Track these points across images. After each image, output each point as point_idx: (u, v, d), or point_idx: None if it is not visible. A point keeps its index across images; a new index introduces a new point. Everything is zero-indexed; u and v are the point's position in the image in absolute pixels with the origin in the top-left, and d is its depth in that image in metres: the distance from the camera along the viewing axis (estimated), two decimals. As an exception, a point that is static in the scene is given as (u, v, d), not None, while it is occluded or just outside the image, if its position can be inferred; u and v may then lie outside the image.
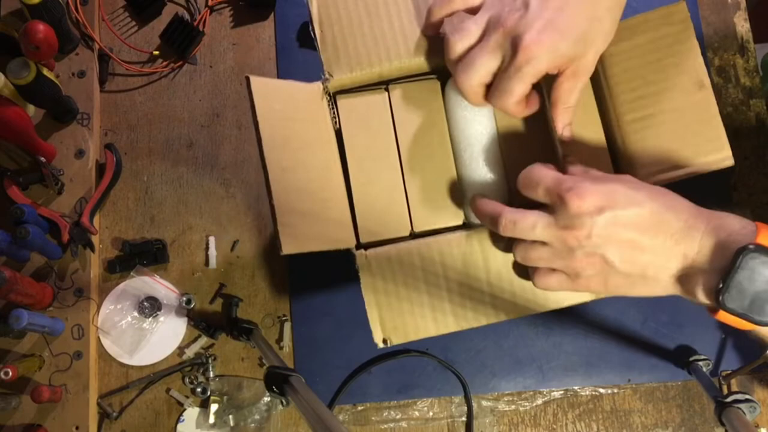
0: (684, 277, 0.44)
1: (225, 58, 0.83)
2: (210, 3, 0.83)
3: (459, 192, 0.55)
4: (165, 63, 0.82)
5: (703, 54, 0.81)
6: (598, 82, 0.54)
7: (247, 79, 0.48)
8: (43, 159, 0.73)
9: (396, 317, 0.50)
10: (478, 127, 0.54)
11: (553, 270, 0.48)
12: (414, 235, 0.54)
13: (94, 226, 0.76)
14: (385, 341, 0.50)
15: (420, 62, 0.53)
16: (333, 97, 0.54)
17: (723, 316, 0.43)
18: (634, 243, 0.44)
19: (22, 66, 0.68)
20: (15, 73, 0.68)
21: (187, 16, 0.83)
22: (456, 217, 0.54)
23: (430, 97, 0.55)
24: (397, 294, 0.50)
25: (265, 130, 0.47)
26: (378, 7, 0.53)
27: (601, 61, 0.53)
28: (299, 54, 0.83)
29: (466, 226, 0.54)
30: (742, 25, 0.82)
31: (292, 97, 0.51)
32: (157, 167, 0.80)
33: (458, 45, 0.49)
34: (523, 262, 0.49)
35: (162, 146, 0.81)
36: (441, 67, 0.55)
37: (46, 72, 0.71)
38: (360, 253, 0.50)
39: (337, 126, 0.54)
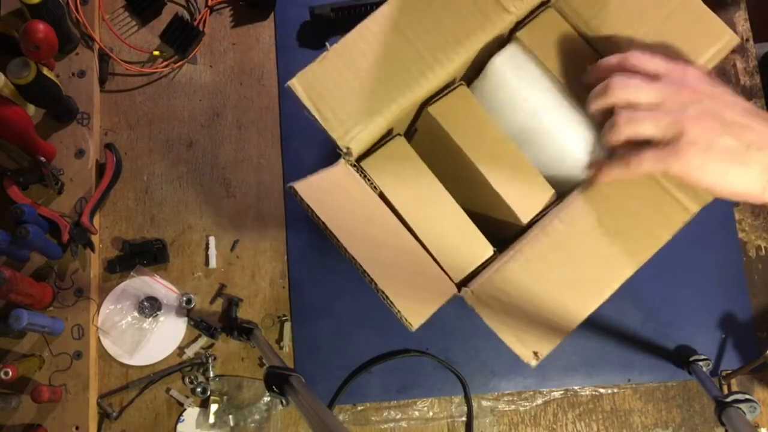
0: None
1: (225, 58, 0.83)
2: (210, 3, 0.83)
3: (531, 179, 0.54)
4: (165, 63, 0.82)
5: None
6: (580, 32, 0.55)
7: (293, 188, 0.49)
8: (43, 159, 0.73)
9: (532, 330, 0.49)
10: (539, 92, 0.54)
11: (647, 147, 0.47)
12: (502, 247, 0.54)
13: (94, 226, 0.76)
14: (536, 356, 0.49)
15: (419, 92, 0.53)
16: (359, 166, 0.54)
17: None
18: (745, 120, 0.45)
19: (23, 66, 0.68)
20: (15, 73, 0.68)
21: (187, 16, 0.83)
22: (547, 193, 0.54)
23: (465, 102, 0.55)
24: (520, 309, 0.50)
25: (335, 227, 0.49)
26: (356, 62, 0.52)
27: (574, 11, 0.54)
28: (299, 54, 0.83)
29: (556, 198, 0.54)
30: (742, 25, 0.82)
31: (333, 185, 0.52)
32: (157, 167, 0.80)
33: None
34: (627, 124, 0.47)
35: (162, 146, 0.81)
36: (442, 85, 0.55)
37: (46, 72, 0.71)
38: (466, 293, 0.50)
39: (378, 190, 0.54)
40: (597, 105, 0.49)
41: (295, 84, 0.52)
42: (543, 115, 0.54)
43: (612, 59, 0.49)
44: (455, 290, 0.52)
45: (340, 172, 0.53)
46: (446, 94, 0.55)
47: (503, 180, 0.54)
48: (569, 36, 0.55)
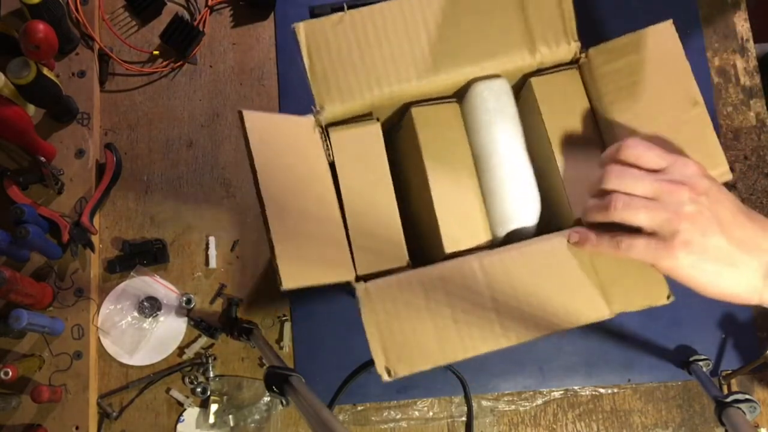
0: None
1: (225, 58, 0.83)
2: (210, 3, 0.83)
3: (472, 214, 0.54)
4: (165, 63, 0.82)
5: (703, 54, 0.81)
6: (591, 102, 0.54)
7: (240, 114, 0.48)
8: (43, 159, 0.73)
9: (400, 348, 0.49)
10: (502, 134, 0.54)
11: (640, 235, 0.47)
12: (417, 265, 0.53)
13: (94, 226, 0.76)
14: (388, 372, 0.48)
15: (411, 88, 0.53)
16: (325, 130, 0.54)
17: None
18: (737, 218, 0.45)
19: (23, 66, 0.68)
20: (15, 73, 0.68)
21: (187, 16, 0.83)
22: (485, 235, 0.53)
23: (450, 117, 0.55)
24: (401, 324, 0.49)
25: (261, 165, 0.47)
26: (368, 35, 0.52)
27: (594, 82, 0.53)
28: (299, 54, 0.82)
29: (492, 244, 0.53)
30: (742, 25, 0.82)
31: (286, 130, 0.51)
32: (157, 167, 0.80)
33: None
34: (622, 210, 0.46)
35: (162, 146, 0.81)
36: (436, 92, 0.55)
37: (46, 72, 0.71)
38: (360, 285, 0.50)
39: (331, 158, 0.53)
40: (593, 193, 0.49)
41: (300, 28, 0.52)
42: (499, 152, 0.53)
43: (611, 149, 0.48)
44: (352, 277, 0.51)
45: (303, 124, 0.52)
46: (437, 103, 0.55)
47: (447, 206, 0.53)
48: (579, 102, 0.54)
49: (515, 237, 0.54)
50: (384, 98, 0.53)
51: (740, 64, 0.81)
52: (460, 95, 0.56)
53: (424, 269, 0.51)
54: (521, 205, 0.53)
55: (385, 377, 0.48)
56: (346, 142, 0.54)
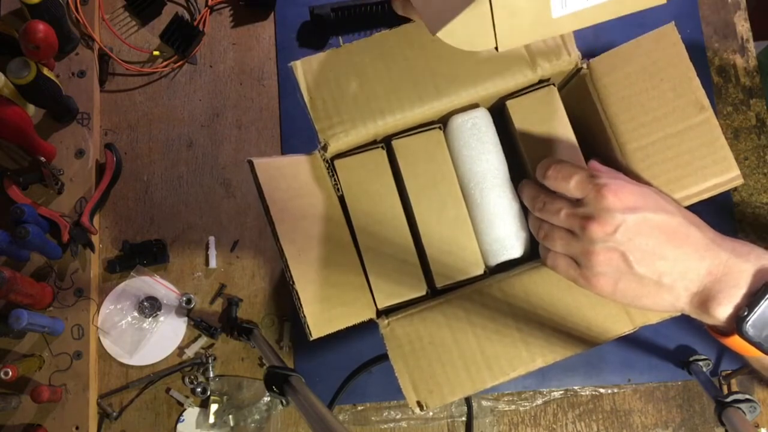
0: (703, 293, 0.44)
1: (225, 58, 0.83)
2: (210, 3, 0.83)
3: (474, 240, 0.54)
4: (165, 63, 0.82)
5: (703, 54, 0.81)
6: (596, 113, 0.53)
7: (251, 163, 0.48)
8: (43, 159, 0.73)
9: (429, 379, 0.49)
10: (485, 164, 0.53)
11: (565, 255, 0.48)
12: (436, 292, 0.53)
13: (94, 226, 0.76)
14: (420, 405, 0.48)
15: (415, 115, 0.52)
16: (331, 163, 0.53)
17: (732, 341, 0.43)
18: (658, 248, 0.44)
19: (22, 66, 0.68)
20: (15, 73, 0.68)
21: (187, 16, 0.83)
22: (476, 267, 0.53)
23: (433, 147, 0.54)
24: (426, 355, 0.49)
25: (276, 213, 0.47)
26: (366, 66, 0.51)
27: (597, 92, 0.53)
28: (299, 54, 0.82)
29: (486, 274, 0.53)
30: (742, 24, 0.82)
31: (295, 172, 0.51)
32: (157, 167, 0.80)
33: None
34: (543, 240, 0.49)
35: (162, 146, 0.81)
36: (438, 117, 0.54)
37: (46, 72, 0.71)
38: (383, 322, 0.50)
39: (340, 192, 0.53)
40: (530, 217, 0.51)
41: (297, 66, 0.52)
42: (479, 185, 0.53)
43: (539, 171, 0.49)
44: (373, 315, 0.51)
45: (309, 163, 0.52)
46: (419, 132, 0.54)
47: (435, 240, 0.52)
48: (557, 120, 0.53)
49: (507, 267, 0.53)
50: (388, 127, 0.52)
51: (740, 64, 0.81)
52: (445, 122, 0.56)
53: (443, 298, 0.51)
54: (507, 242, 0.53)
55: (417, 411, 0.48)
56: (353, 174, 0.53)
